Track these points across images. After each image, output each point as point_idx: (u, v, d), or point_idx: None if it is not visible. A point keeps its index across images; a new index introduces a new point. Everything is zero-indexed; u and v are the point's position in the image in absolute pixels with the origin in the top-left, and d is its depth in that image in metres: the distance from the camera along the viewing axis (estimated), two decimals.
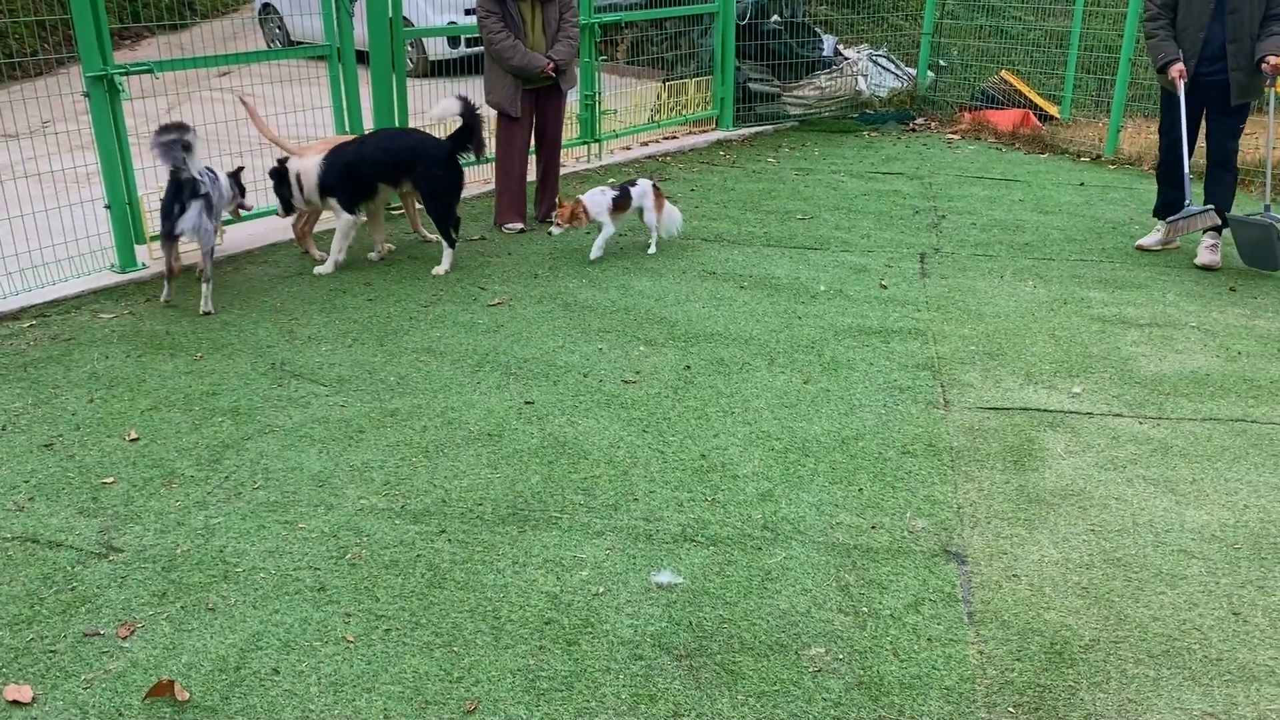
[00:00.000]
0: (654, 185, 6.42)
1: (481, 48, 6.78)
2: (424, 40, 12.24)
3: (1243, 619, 3.00)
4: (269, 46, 13.18)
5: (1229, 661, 2.82)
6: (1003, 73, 10.72)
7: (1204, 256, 6.24)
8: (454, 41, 12.09)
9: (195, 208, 5.21)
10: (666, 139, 9.68)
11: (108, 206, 5.69)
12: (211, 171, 5.54)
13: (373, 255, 6.25)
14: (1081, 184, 8.35)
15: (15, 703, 2.62)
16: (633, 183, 6.37)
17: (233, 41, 10.96)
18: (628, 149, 9.37)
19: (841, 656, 2.83)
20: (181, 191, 5.23)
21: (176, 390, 4.40)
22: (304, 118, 6.89)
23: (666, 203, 6.46)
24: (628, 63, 11.44)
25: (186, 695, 2.64)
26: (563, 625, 2.93)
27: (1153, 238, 6.56)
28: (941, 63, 11.24)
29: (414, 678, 2.72)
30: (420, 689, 2.68)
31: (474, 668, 2.76)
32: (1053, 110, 10.38)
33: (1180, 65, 5.99)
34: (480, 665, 2.77)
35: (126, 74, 5.61)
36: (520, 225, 6.81)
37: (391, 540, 3.33)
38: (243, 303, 5.44)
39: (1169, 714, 2.63)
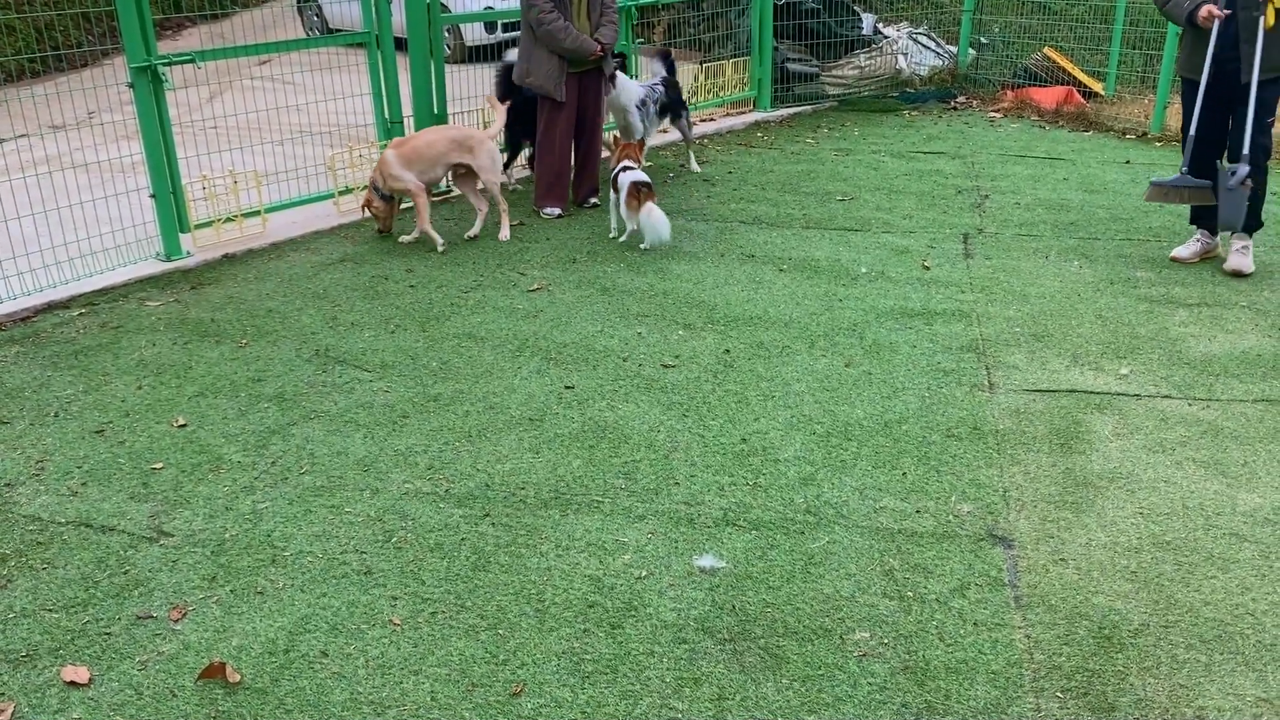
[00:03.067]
0: (636, 181, 6.01)
1: (518, 33, 6.77)
2: (461, 26, 12.26)
3: None
4: (308, 35, 13.26)
5: None
6: (1045, 49, 10.54)
7: (1233, 260, 5.68)
8: (491, 27, 12.10)
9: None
10: (704, 121, 9.62)
11: (153, 195, 5.76)
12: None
13: (404, 238, 6.32)
14: (1127, 162, 8.20)
15: (73, 684, 2.68)
16: (627, 169, 6.20)
17: (272, 30, 11.04)
18: (664, 132, 9.33)
19: (886, 641, 2.81)
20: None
21: (223, 377, 4.46)
22: (343, 105, 6.93)
23: (650, 204, 5.93)
24: (664, 44, 11.37)
25: (238, 677, 2.68)
26: (606, 608, 2.94)
27: (1189, 248, 5.92)
28: (983, 40, 11.08)
29: (460, 660, 2.75)
30: (467, 671, 2.71)
31: (519, 650, 2.78)
32: (1097, 87, 10.19)
33: (1209, 5, 5.27)
34: (525, 648, 2.79)
35: (170, 64, 5.66)
36: (559, 210, 6.81)
37: (436, 524, 3.36)
38: (286, 289, 5.50)
39: (1221, 699, 2.60)
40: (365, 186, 6.49)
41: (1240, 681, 2.66)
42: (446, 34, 12.07)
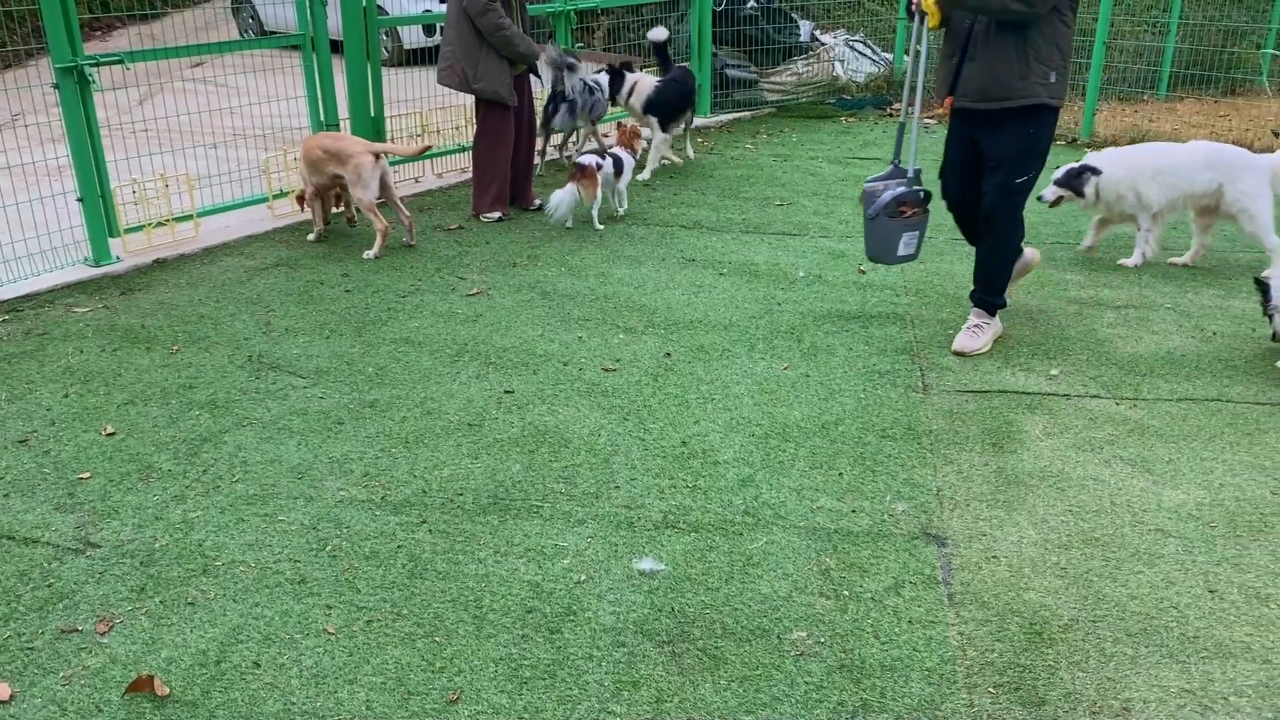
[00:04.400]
0: (580, 162, 6.56)
1: None
2: (399, 29, 12.16)
3: (1219, 596, 3.03)
4: (242, 36, 13.05)
5: (1205, 639, 2.85)
6: None
7: (958, 338, 4.78)
8: (430, 30, 12.01)
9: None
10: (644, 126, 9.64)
11: (80, 199, 5.63)
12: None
13: (310, 236, 6.29)
14: (1055, 167, 8.37)
15: None
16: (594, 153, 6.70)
17: (206, 31, 10.84)
18: (606, 135, 9.33)
19: (823, 640, 2.84)
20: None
21: (153, 384, 4.36)
22: (278, 108, 6.84)
23: (570, 185, 6.49)
24: (604, 49, 11.39)
25: (166, 690, 2.63)
26: (545, 614, 2.93)
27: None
28: (918, 47, 11.26)
29: (396, 668, 2.72)
30: (403, 679, 2.68)
31: (456, 657, 2.76)
32: None
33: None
34: (462, 655, 2.77)
35: (97, 65, 5.54)
36: (500, 214, 6.78)
37: (372, 531, 3.32)
38: (219, 295, 5.40)
39: (1147, 691, 2.66)
40: (298, 192, 6.41)
41: (1165, 673, 2.72)
42: (384, 37, 11.98)
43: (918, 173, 4.52)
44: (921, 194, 4.51)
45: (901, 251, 4.53)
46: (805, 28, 10.79)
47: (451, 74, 6.49)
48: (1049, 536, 3.32)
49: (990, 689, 2.67)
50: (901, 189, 4.47)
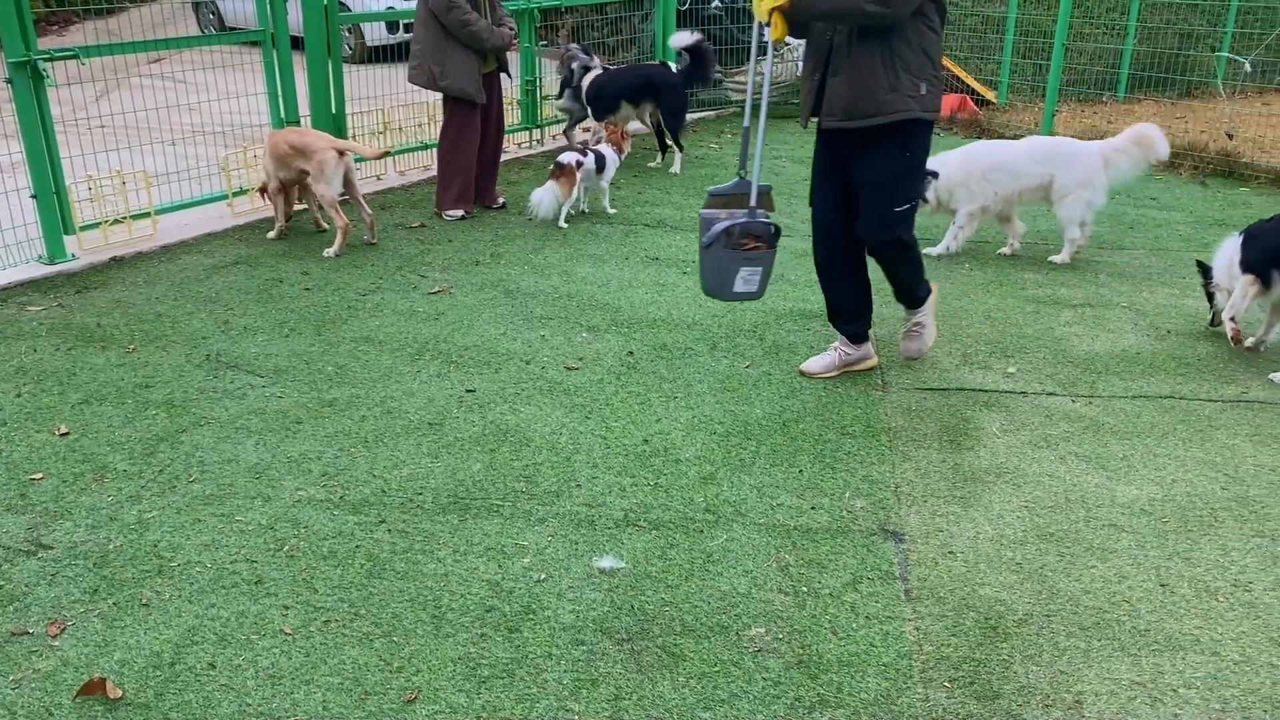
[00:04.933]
0: (560, 161, 6.65)
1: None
2: (362, 25, 12.07)
3: (1169, 590, 3.08)
4: (202, 32, 12.91)
5: (1156, 632, 2.89)
6: (940, 58, 10.84)
7: (903, 344, 4.58)
8: (393, 27, 11.93)
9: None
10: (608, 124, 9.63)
11: (34, 196, 5.55)
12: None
13: (270, 234, 6.25)
14: None
15: None
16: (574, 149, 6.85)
17: (165, 27, 10.71)
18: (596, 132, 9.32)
19: (781, 636, 2.85)
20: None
21: (108, 383, 4.31)
22: (238, 105, 6.77)
23: (550, 183, 6.62)
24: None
25: (119, 693, 2.59)
26: (504, 613, 2.93)
27: (820, 361, 4.55)
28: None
29: (353, 669, 2.70)
30: (360, 680, 2.66)
31: (414, 657, 2.75)
32: (989, 95, 10.52)
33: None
34: (420, 654, 2.76)
35: (51, 60, 5.46)
36: (463, 212, 6.76)
37: (330, 531, 3.30)
38: (176, 293, 5.34)
39: (1099, 684, 2.70)
40: (260, 187, 6.36)
41: (1117, 666, 2.76)
42: (346, 33, 11.89)
43: (766, 190, 4.04)
44: (772, 229, 3.99)
45: (739, 288, 4.03)
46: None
47: (420, 72, 6.49)
48: (1005, 532, 3.36)
49: (946, 683, 2.70)
50: (743, 219, 3.98)
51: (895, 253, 4.20)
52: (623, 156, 7.05)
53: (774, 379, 4.46)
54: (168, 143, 6.90)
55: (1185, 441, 3.97)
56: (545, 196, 6.54)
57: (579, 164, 6.59)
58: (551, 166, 6.69)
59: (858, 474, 3.70)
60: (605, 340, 4.83)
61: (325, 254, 5.94)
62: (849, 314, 4.45)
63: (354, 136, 7.23)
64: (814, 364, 4.51)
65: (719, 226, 3.97)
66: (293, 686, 2.64)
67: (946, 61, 10.72)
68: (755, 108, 4.17)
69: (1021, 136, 9.49)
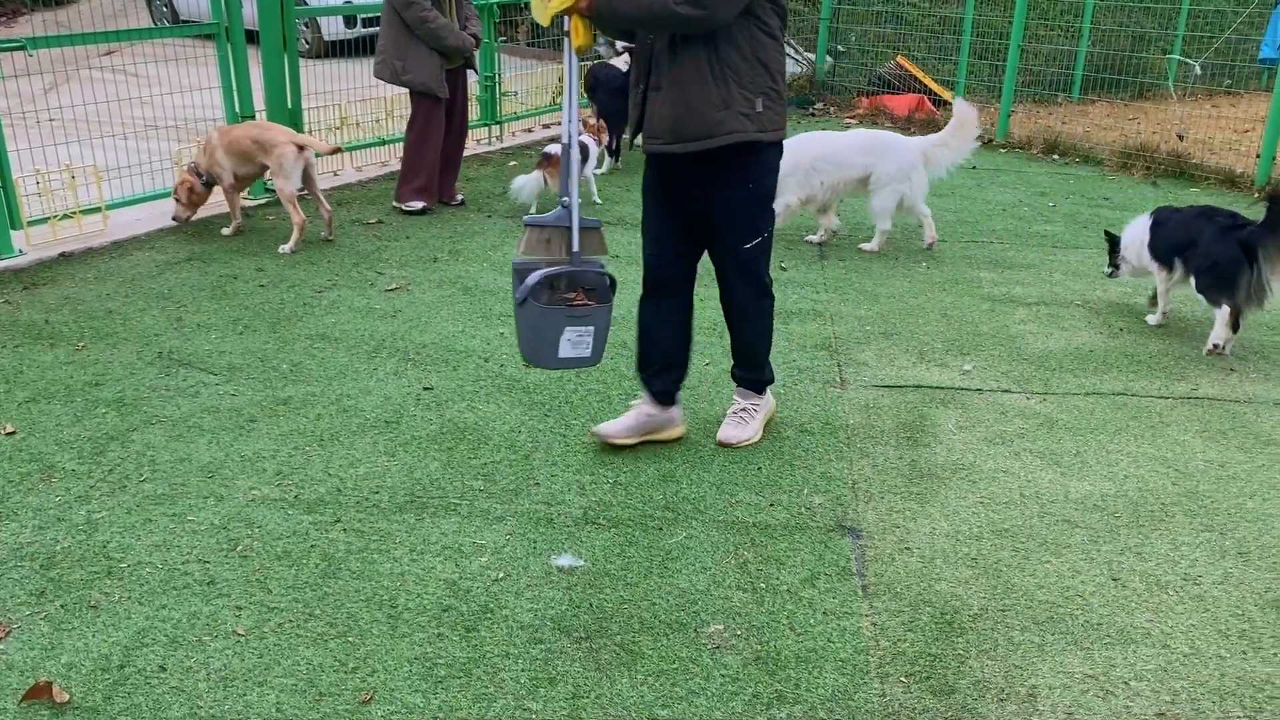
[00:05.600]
0: (547, 151, 6.80)
1: (377, 29, 6.64)
2: (319, 19, 11.94)
3: (1121, 584, 3.12)
4: (155, 24, 12.71)
5: (1108, 625, 2.93)
6: (898, 58, 10.93)
7: (723, 428, 3.91)
8: (350, 21, 11.82)
9: None
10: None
11: None
12: None
13: (226, 230, 6.16)
14: (973, 167, 8.56)
15: None
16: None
17: (117, 19, 10.53)
18: (529, 131, 9.29)
19: (740, 633, 2.86)
20: None
21: (57, 381, 4.22)
22: (191, 98, 6.66)
23: (536, 172, 6.76)
24: (529, 44, 11.33)
25: (66, 697, 2.54)
26: (461, 612, 2.91)
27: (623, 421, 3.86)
28: (840, 48, 11.41)
29: (308, 669, 2.67)
30: (314, 680, 2.63)
31: (370, 657, 2.72)
32: (947, 95, 10.61)
33: None
34: (376, 655, 2.73)
35: None
36: (423, 204, 6.70)
37: (284, 531, 3.25)
38: (128, 290, 5.25)
39: (1052, 678, 2.73)
40: (188, 182, 6.03)
41: (1069, 660, 2.80)
42: (304, 27, 11.75)
43: (595, 228, 3.50)
44: (607, 279, 3.42)
45: (565, 352, 3.35)
46: None
47: (385, 67, 6.46)
48: (960, 528, 3.39)
49: (902, 678, 2.71)
50: (567, 267, 3.39)
51: (751, 298, 3.68)
52: (600, 146, 7.21)
53: None
54: (119, 137, 6.78)
55: (1137, 438, 4.03)
56: (528, 183, 6.69)
57: None
58: (539, 157, 6.85)
59: (816, 471, 3.71)
60: None
61: (281, 250, 5.86)
62: (658, 365, 3.81)
63: (311, 132, 7.14)
64: (610, 426, 3.82)
65: (535, 277, 3.31)
66: (245, 688, 2.60)
67: (904, 61, 10.81)
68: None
69: (978, 137, 9.60)
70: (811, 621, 2.91)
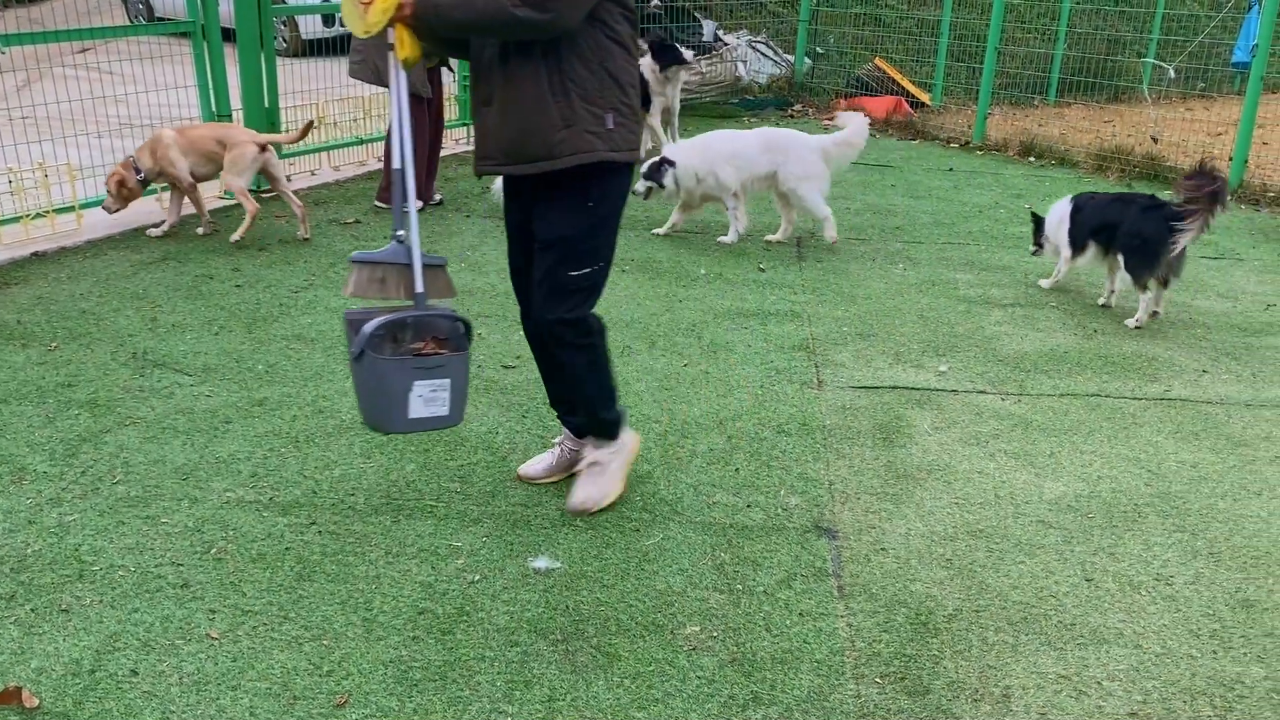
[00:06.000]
0: None
1: None
2: (297, 18, 11.88)
3: (1094, 584, 3.14)
4: (131, 22, 12.60)
5: (1081, 626, 2.96)
6: (876, 60, 10.97)
7: (576, 495, 3.43)
8: (329, 20, 11.76)
9: None
10: None
11: None
12: None
13: (154, 231, 6.07)
14: (950, 169, 8.62)
15: None
16: None
17: (91, 16, 10.44)
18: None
19: (716, 634, 2.86)
20: None
21: (28, 382, 4.18)
22: (167, 97, 6.62)
23: None
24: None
25: (36, 702, 2.52)
26: (437, 615, 2.90)
27: (541, 463, 3.61)
28: (818, 49, 11.44)
29: (282, 673, 2.65)
30: (288, 684, 2.62)
31: (344, 661, 2.70)
32: (924, 97, 10.67)
33: None
34: (351, 658, 2.71)
35: None
36: (421, 203, 6.68)
37: (259, 533, 3.23)
38: (102, 290, 5.20)
39: (1026, 678, 2.75)
40: (126, 180, 5.80)
41: (1043, 660, 2.82)
42: (281, 26, 11.68)
43: (440, 267, 3.12)
44: (461, 326, 3.05)
45: (417, 412, 2.93)
46: (708, 27, 10.87)
47: (364, 67, 6.38)
48: (935, 528, 3.41)
49: (877, 679, 2.73)
50: (411, 312, 3.00)
51: (567, 335, 3.19)
52: None
53: (711, 377, 4.47)
54: (94, 135, 6.72)
55: (1110, 439, 4.06)
56: None
57: None
58: None
59: (793, 472, 3.72)
60: None
61: (231, 239, 5.84)
62: (566, 404, 3.52)
63: (287, 130, 7.10)
64: (531, 466, 3.58)
65: (373, 324, 2.89)
66: (219, 692, 2.58)
67: (882, 63, 10.85)
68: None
69: (955, 139, 9.66)
70: (787, 623, 2.92)
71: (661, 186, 6.27)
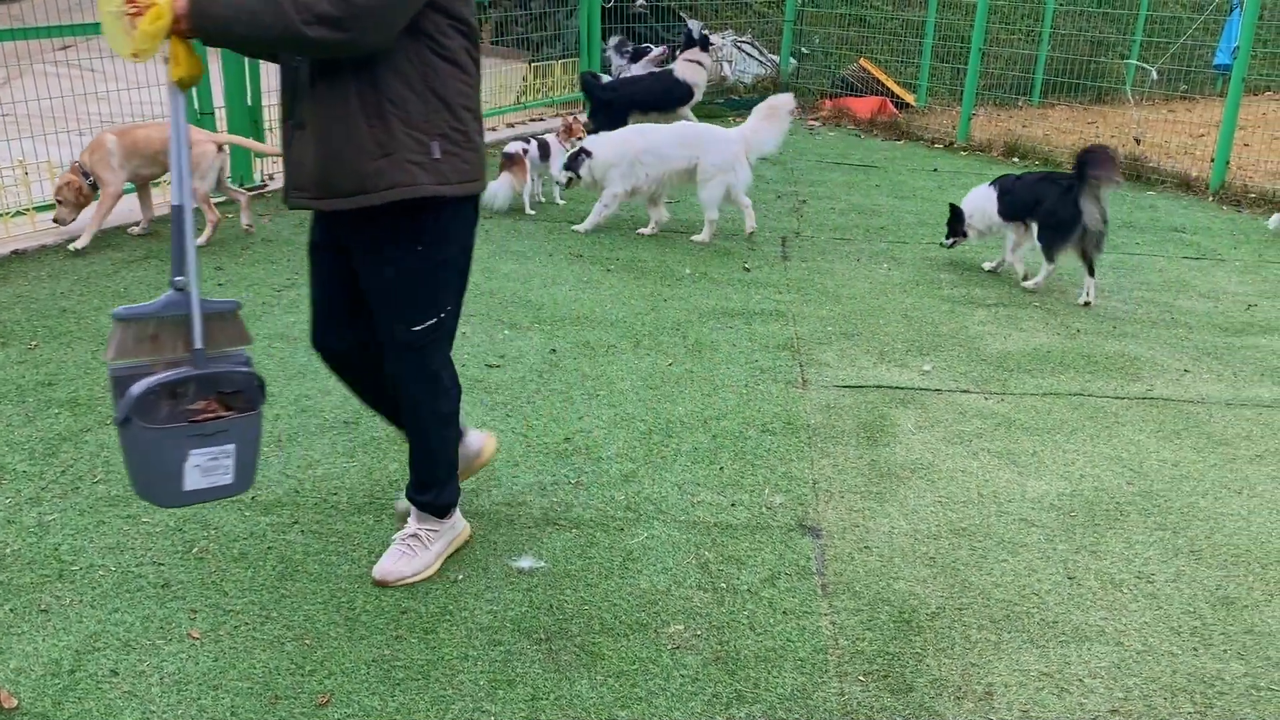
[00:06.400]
0: (508, 151, 6.82)
1: None
2: None
3: (1076, 583, 3.16)
4: None
5: (1064, 623, 2.97)
6: (861, 61, 11.00)
7: (383, 564, 3.01)
8: None
9: None
10: (533, 120, 9.60)
11: None
12: None
13: (135, 229, 6.04)
14: (935, 170, 8.65)
15: None
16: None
17: (72, 13, 10.35)
18: (494, 130, 9.25)
19: (700, 633, 2.86)
20: None
21: (7, 381, 4.15)
22: (149, 94, 6.57)
23: (503, 175, 6.75)
24: (493, 43, 11.28)
25: (15, 702, 2.50)
26: (420, 614, 2.89)
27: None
28: (804, 50, 11.46)
29: (264, 673, 2.64)
30: (270, 684, 2.60)
31: (327, 660, 2.69)
32: (909, 98, 10.70)
33: None
34: (334, 657, 2.70)
35: None
36: None
37: (241, 533, 3.22)
38: (83, 288, 5.17)
39: (1008, 676, 2.76)
40: (76, 183, 5.61)
41: (1025, 658, 2.83)
42: None
43: (231, 312, 2.73)
44: (255, 380, 2.66)
45: (194, 483, 2.53)
46: (694, 27, 10.87)
47: None
48: (919, 527, 3.41)
49: (860, 677, 2.73)
50: (188, 369, 2.56)
51: (423, 399, 2.92)
52: (566, 147, 7.17)
53: (696, 376, 4.47)
54: (75, 133, 6.67)
55: (1093, 438, 4.08)
56: (500, 189, 6.67)
57: (525, 152, 6.74)
58: (501, 159, 6.81)
59: (777, 470, 3.73)
60: (527, 338, 4.80)
61: (197, 242, 5.78)
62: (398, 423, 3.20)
63: (271, 129, 7.07)
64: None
65: (140, 387, 2.46)
66: (200, 692, 2.57)
67: (867, 64, 10.87)
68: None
69: (939, 140, 9.70)
70: (771, 621, 2.92)
71: (579, 177, 6.38)
